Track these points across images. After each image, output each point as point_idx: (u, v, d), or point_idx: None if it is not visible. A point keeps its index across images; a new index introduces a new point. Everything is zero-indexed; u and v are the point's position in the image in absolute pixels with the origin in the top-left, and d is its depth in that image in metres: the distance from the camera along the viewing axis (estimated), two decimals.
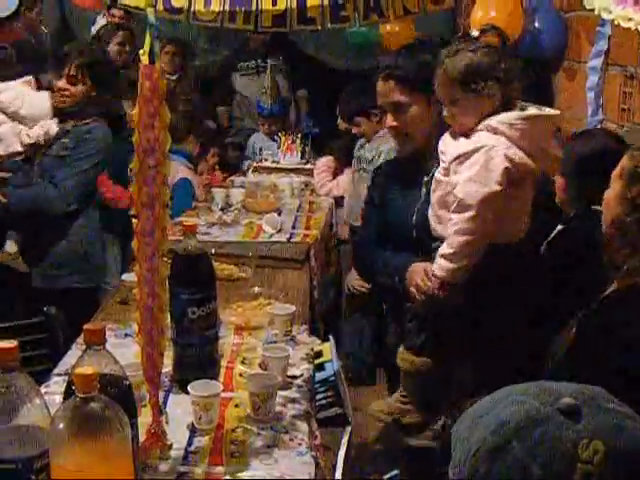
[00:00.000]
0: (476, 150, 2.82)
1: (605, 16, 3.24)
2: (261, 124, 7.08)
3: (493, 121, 2.84)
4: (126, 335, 2.94)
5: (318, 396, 3.13)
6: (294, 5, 4.98)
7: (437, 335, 2.96)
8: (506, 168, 2.79)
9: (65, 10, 8.20)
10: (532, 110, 2.86)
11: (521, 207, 2.94)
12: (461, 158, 2.84)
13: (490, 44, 3.04)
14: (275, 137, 6.66)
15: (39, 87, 5.90)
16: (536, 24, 4.74)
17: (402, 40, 6.73)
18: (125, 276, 3.47)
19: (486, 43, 3.06)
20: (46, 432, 1.53)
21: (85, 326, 1.74)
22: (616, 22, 3.14)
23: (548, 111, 2.93)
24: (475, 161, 2.81)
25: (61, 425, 1.47)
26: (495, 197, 2.80)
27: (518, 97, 2.90)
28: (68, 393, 1.65)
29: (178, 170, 5.23)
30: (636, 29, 2.96)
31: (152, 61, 2.00)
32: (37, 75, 5.89)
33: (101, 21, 7.21)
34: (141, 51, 2.01)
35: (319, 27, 5.09)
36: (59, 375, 2.62)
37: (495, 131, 2.83)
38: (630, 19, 2.98)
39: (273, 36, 7.55)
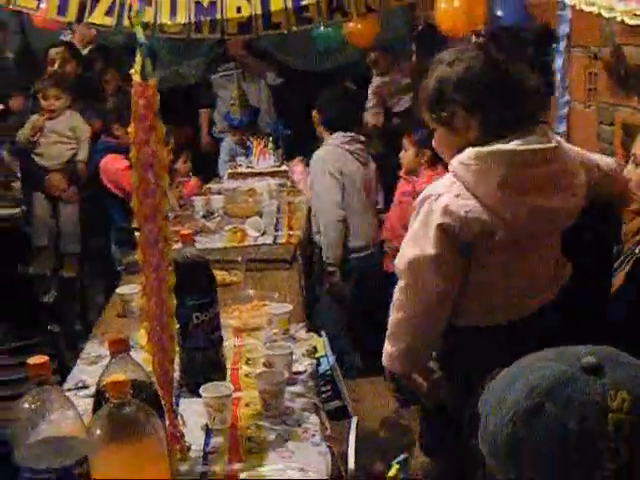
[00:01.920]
0: (422, 200, 2.41)
1: (568, 1, 3.35)
2: (232, 134, 7.15)
3: (455, 160, 2.38)
4: None
5: (322, 389, 3.23)
6: (258, 11, 5.12)
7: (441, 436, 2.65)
8: (440, 225, 2.32)
9: (26, 29, 8.24)
10: (511, 144, 2.32)
11: (514, 275, 2.42)
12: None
13: (481, 50, 2.48)
14: (247, 143, 6.73)
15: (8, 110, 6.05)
16: (499, 11, 4.82)
17: (366, 38, 6.87)
18: (120, 289, 3.53)
19: (476, 49, 2.54)
20: (83, 440, 1.60)
21: (108, 338, 1.81)
22: (577, 7, 3.25)
23: (537, 145, 2.34)
24: (418, 215, 2.41)
25: (98, 431, 1.55)
26: (430, 262, 2.35)
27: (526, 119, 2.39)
28: (98, 403, 1.73)
29: None
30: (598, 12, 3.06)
31: (144, 79, 2.06)
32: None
33: (64, 39, 7.27)
34: (132, 70, 2.08)
35: (285, 31, 5.22)
36: (69, 390, 2.68)
37: (455, 174, 2.37)
38: (592, 3, 3.08)
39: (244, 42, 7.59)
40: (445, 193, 2.34)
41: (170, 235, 2.17)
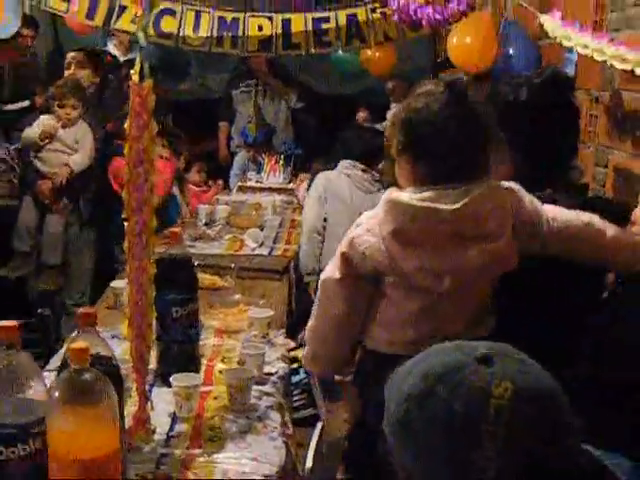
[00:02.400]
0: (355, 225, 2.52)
1: (565, 43, 3.47)
2: (246, 150, 7.30)
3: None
4: (113, 336, 3.11)
5: (294, 398, 3.33)
6: (279, 31, 5.30)
7: None
8: (343, 254, 2.46)
9: (59, 31, 8.45)
10: (413, 197, 2.34)
11: (414, 315, 2.43)
12: None
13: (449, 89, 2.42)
14: (259, 159, 6.90)
15: (33, 107, 6.16)
16: (510, 50, 4.93)
17: (383, 67, 7.02)
18: (114, 283, 3.66)
19: (445, 87, 2.45)
20: (42, 402, 1.73)
21: (79, 310, 1.95)
22: (575, 49, 3.37)
23: (439, 204, 2.31)
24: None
25: (56, 393, 1.68)
26: (335, 284, 2.48)
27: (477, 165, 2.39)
28: (63, 367, 1.87)
29: None
30: (592, 55, 3.18)
31: (141, 79, 2.20)
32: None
33: (110, 45, 7.46)
34: (132, 70, 2.22)
35: (303, 52, 5.40)
36: (50, 371, 2.80)
37: (382, 209, 2.43)
38: (586, 46, 3.20)
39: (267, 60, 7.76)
40: (363, 224, 2.45)
41: (153, 228, 2.30)
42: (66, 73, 6.20)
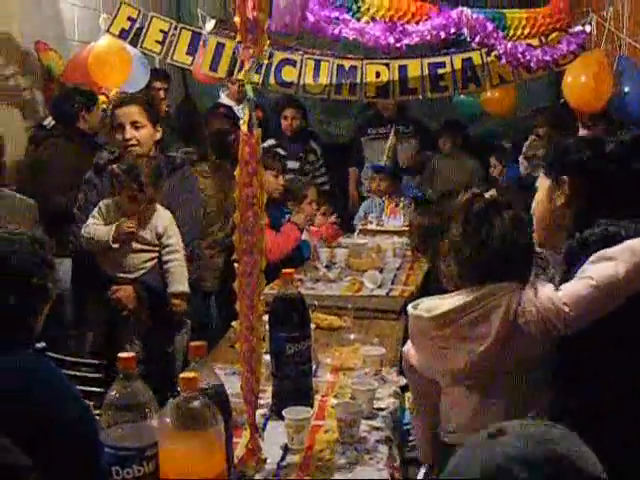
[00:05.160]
0: None
1: None
2: (371, 180, 7.46)
3: None
4: (233, 373, 3.27)
5: (410, 437, 3.41)
6: (396, 77, 5.43)
7: None
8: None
9: (188, 83, 8.83)
10: (419, 306, 2.68)
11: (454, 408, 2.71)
12: None
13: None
14: (382, 199, 7.03)
15: None
16: (625, 88, 4.93)
17: (504, 107, 7.07)
18: (235, 323, 3.81)
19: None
20: (156, 427, 1.88)
21: (191, 344, 2.11)
22: None
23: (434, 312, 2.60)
24: None
25: (167, 419, 1.83)
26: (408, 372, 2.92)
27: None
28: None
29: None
30: None
31: (250, 129, 2.35)
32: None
33: (223, 95, 7.79)
34: (241, 121, 2.37)
35: (419, 97, 5.51)
36: None
37: None
38: None
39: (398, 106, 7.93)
40: None
41: (262, 269, 2.44)
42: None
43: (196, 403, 1.82)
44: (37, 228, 4.50)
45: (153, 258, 4.21)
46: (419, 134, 8.12)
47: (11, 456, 2.05)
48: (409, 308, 2.69)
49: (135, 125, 4.27)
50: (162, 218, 4.20)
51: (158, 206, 4.21)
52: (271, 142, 7.39)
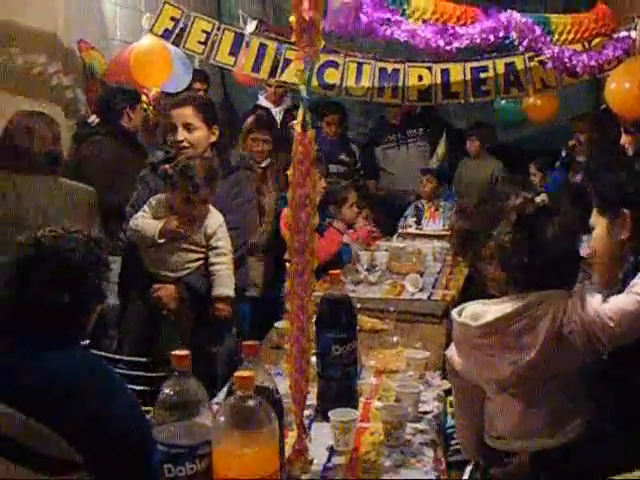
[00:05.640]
0: None
1: None
2: (421, 181, 7.50)
3: None
4: (276, 374, 3.27)
5: (452, 442, 3.40)
6: (439, 81, 5.39)
7: None
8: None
9: (227, 85, 8.86)
10: (463, 313, 2.67)
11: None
12: None
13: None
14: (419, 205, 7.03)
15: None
16: None
17: (546, 114, 7.03)
18: (277, 323, 3.82)
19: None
20: (209, 426, 1.89)
21: (243, 343, 2.11)
22: None
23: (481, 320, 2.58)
24: None
25: (222, 418, 1.83)
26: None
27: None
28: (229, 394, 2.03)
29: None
30: None
31: (304, 129, 2.35)
32: None
33: (261, 98, 7.82)
34: (295, 121, 2.38)
35: (462, 101, 5.48)
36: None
37: None
38: None
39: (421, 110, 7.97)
40: None
41: (314, 269, 2.44)
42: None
43: (251, 402, 1.82)
44: (98, 217, 4.61)
45: (199, 259, 4.15)
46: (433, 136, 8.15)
47: (62, 451, 2.07)
48: (454, 314, 2.68)
49: (188, 127, 4.25)
50: (213, 220, 4.14)
51: (211, 208, 4.15)
52: None
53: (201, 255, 4.16)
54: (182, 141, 4.23)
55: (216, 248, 4.13)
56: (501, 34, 4.39)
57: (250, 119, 5.91)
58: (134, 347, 4.15)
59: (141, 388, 3.47)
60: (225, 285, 4.11)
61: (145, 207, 4.17)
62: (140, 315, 4.24)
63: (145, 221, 4.12)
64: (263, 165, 5.59)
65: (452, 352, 2.77)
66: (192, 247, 4.14)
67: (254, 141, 5.76)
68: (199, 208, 4.08)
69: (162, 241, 4.07)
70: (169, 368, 1.98)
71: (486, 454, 2.77)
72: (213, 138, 4.35)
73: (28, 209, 4.35)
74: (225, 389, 2.92)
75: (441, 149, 7.36)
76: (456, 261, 5.40)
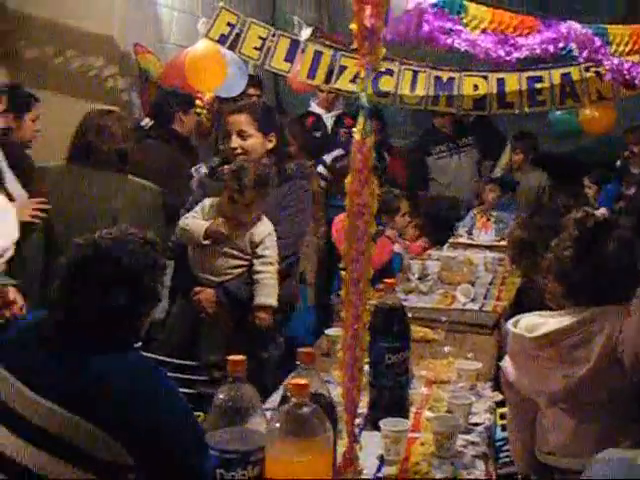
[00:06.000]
0: None
1: None
2: (485, 184, 7.48)
3: None
4: (327, 381, 3.25)
5: (501, 454, 3.37)
6: (494, 90, 5.35)
7: None
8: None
9: (280, 91, 8.89)
10: (518, 325, 2.73)
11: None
12: None
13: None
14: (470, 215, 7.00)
15: None
16: None
17: (603, 126, 6.95)
18: (328, 331, 3.81)
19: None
20: (263, 433, 1.88)
21: (300, 350, 2.10)
22: None
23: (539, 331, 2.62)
24: None
25: (276, 425, 1.82)
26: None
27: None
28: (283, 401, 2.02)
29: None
30: None
31: (364, 137, 2.34)
32: None
33: (313, 104, 7.81)
34: (354, 129, 2.36)
35: (516, 111, 5.43)
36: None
37: None
38: None
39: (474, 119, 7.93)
40: None
41: (369, 277, 2.42)
42: None
43: (306, 410, 1.81)
44: (162, 216, 4.59)
45: (242, 266, 4.10)
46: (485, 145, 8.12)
47: (113, 453, 2.08)
48: (509, 325, 2.66)
49: (241, 134, 4.24)
50: (261, 228, 4.09)
51: (263, 217, 4.10)
52: (340, 152, 7.32)
53: (244, 262, 4.11)
54: (236, 148, 4.23)
55: (262, 257, 4.07)
56: (561, 45, 4.34)
57: None
58: (176, 349, 4.14)
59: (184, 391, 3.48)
60: (267, 294, 4.05)
61: (197, 208, 4.18)
62: (183, 318, 4.26)
63: (194, 221, 4.12)
64: None
65: (507, 363, 2.75)
66: (235, 253, 4.10)
67: None
68: (244, 211, 4.02)
69: (206, 242, 4.05)
70: (212, 372, 1.98)
71: (537, 469, 2.76)
72: (270, 145, 4.32)
73: (95, 205, 4.38)
74: (275, 397, 2.93)
75: (505, 158, 7.32)
76: (508, 272, 5.35)
